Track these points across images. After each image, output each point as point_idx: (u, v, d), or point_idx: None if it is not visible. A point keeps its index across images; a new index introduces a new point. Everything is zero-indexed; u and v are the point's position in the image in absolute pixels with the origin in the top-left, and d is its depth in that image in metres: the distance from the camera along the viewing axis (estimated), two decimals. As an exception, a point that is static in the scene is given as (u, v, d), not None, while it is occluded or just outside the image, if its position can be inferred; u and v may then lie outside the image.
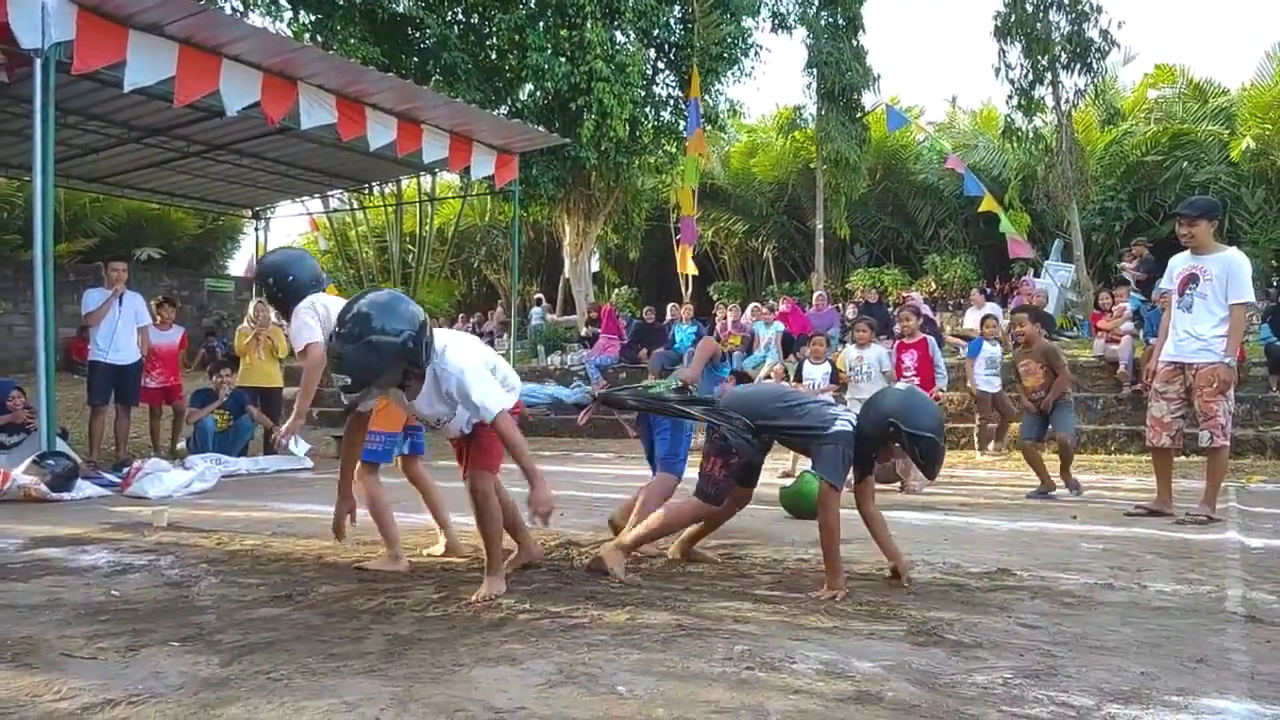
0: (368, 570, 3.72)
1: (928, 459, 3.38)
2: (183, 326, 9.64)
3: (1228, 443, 5.26)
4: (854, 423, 3.44)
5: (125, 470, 6.73)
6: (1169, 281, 5.43)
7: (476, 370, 3.10)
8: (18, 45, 6.29)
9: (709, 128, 17.40)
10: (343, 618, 2.96)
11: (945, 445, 3.42)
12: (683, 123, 16.31)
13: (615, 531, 4.30)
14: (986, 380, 8.73)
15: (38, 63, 6.30)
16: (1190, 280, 5.24)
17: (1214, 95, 19.16)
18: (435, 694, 2.21)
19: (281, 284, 3.97)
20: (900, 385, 3.50)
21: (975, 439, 9.28)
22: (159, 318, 9.00)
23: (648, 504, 4.15)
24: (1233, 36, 58.46)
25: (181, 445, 8.65)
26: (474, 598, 3.16)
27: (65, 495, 6.04)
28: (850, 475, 3.49)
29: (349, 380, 2.83)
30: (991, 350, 8.81)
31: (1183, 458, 7.00)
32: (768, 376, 10.56)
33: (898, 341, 7.48)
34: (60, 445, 6.63)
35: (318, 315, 3.87)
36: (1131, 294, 11.44)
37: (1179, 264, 5.36)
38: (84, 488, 6.29)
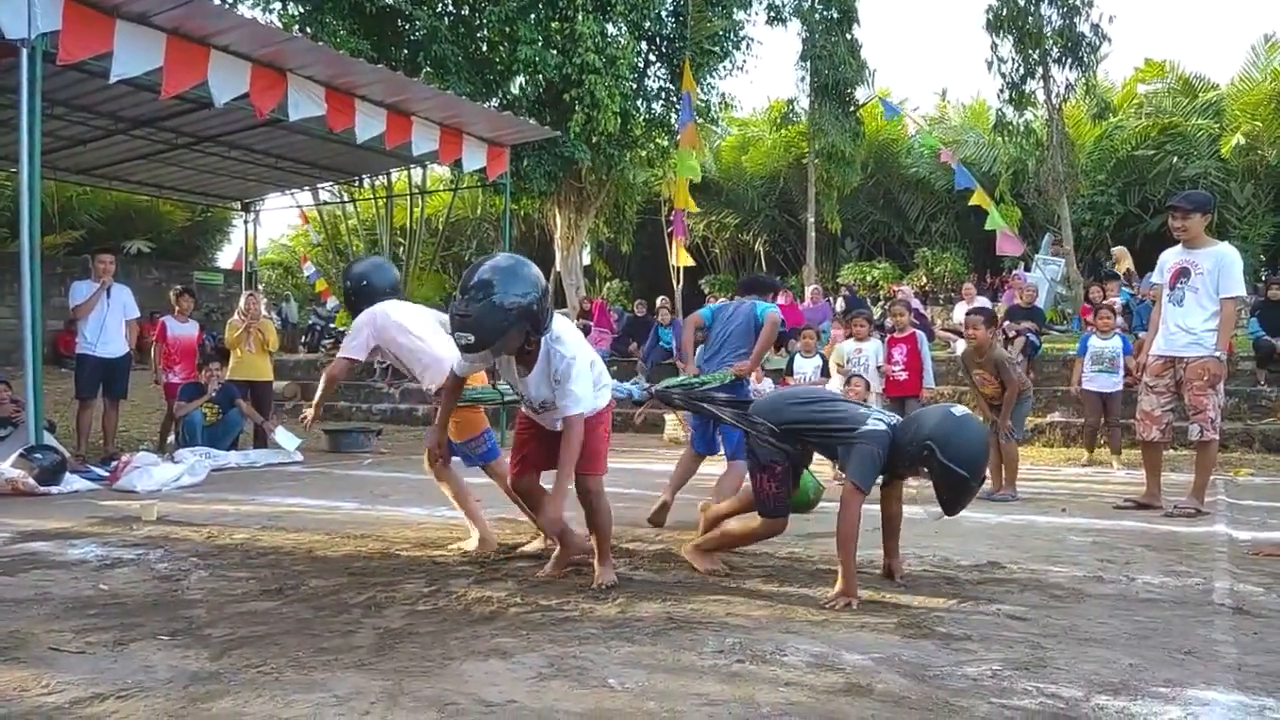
0: (467, 553, 3.91)
1: (951, 496, 3.16)
2: (197, 321, 9.53)
3: (1217, 436, 5.29)
4: (888, 423, 3.24)
5: (113, 464, 6.69)
6: (1160, 275, 5.45)
7: (584, 362, 3.14)
8: (3, 36, 6.23)
9: (700, 121, 17.36)
10: (333, 612, 2.96)
11: (979, 487, 3.20)
12: (674, 115, 16.28)
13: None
14: (1091, 378, 8.22)
15: (24, 53, 6.24)
16: (1181, 274, 5.26)
17: (1203, 90, 19.23)
18: (425, 688, 2.21)
19: (357, 287, 4.29)
20: (957, 409, 3.21)
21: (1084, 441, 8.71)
22: (177, 308, 8.93)
23: (724, 492, 4.52)
24: (1222, 31, 58.71)
25: (170, 439, 8.60)
26: (595, 583, 3.25)
27: (53, 489, 6.00)
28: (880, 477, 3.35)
29: (471, 339, 2.87)
30: (1101, 344, 8.23)
31: (1172, 451, 7.04)
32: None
33: (889, 336, 7.50)
34: (47, 439, 6.59)
35: (374, 325, 4.09)
36: (1121, 288, 11.49)
37: (1170, 258, 5.37)
38: (72, 481, 6.25)
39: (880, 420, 3.24)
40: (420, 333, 4.05)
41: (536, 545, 4.01)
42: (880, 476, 3.29)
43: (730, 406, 3.71)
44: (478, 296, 2.85)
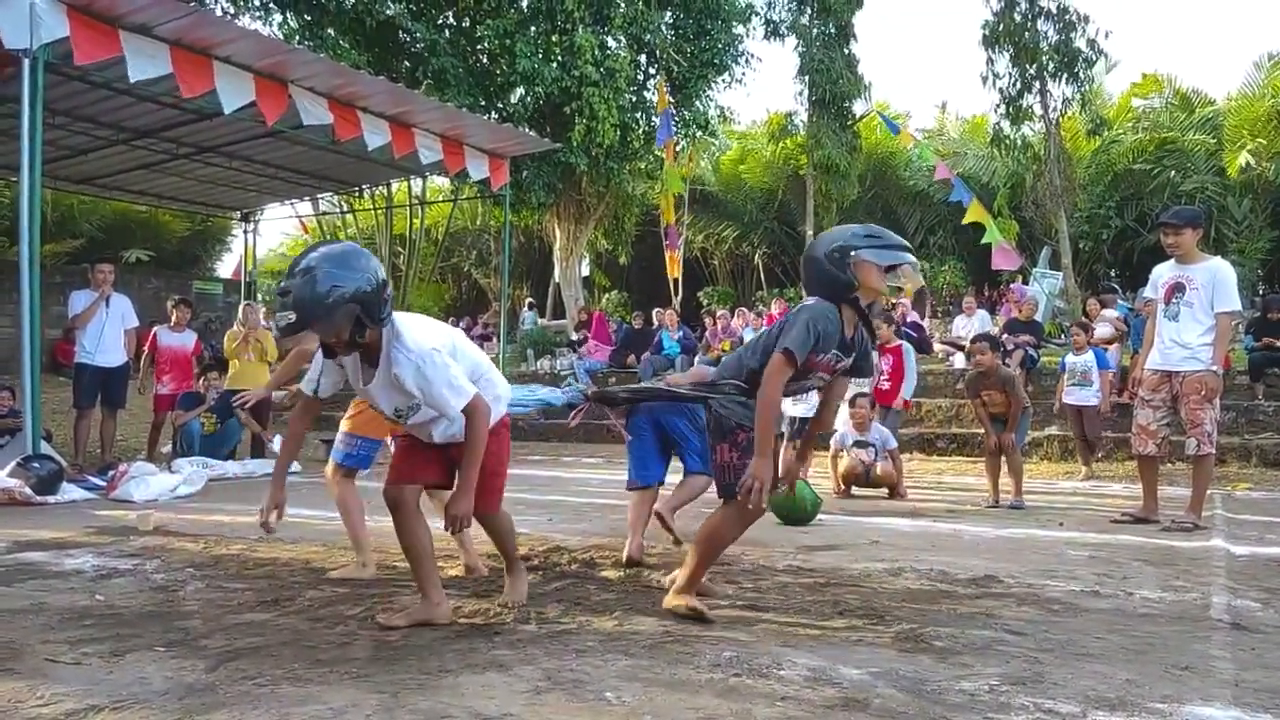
0: (334, 578, 3.68)
1: (875, 234, 2.98)
2: (194, 331, 9.43)
3: (1213, 450, 5.30)
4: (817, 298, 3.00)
5: (111, 474, 6.68)
6: (1154, 290, 5.47)
7: (439, 354, 2.78)
8: (3, 45, 6.26)
9: (699, 134, 17.44)
10: (329, 623, 2.95)
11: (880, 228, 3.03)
12: (674, 130, 16.34)
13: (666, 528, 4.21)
14: (1069, 392, 8.55)
15: (26, 63, 6.27)
16: (1176, 289, 5.28)
17: (1201, 105, 19.30)
18: (422, 701, 2.21)
19: None
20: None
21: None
22: (173, 318, 8.90)
23: (683, 497, 4.22)
24: (1219, 47, 59.00)
25: (167, 449, 8.59)
26: (504, 602, 3.15)
27: (50, 499, 5.99)
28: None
29: (292, 317, 2.59)
30: (1074, 360, 8.58)
31: (1168, 465, 7.05)
32: None
33: (878, 345, 7.58)
34: (45, 448, 6.58)
35: None
36: (1119, 302, 11.54)
37: (1164, 273, 5.39)
38: (69, 491, 6.24)
39: (811, 299, 3.02)
40: None
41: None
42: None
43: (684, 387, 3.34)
44: (303, 276, 2.61)
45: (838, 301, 2.97)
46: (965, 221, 14.67)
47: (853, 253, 2.91)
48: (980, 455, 9.43)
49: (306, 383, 3.01)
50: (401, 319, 2.82)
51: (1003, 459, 6.30)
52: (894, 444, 6.90)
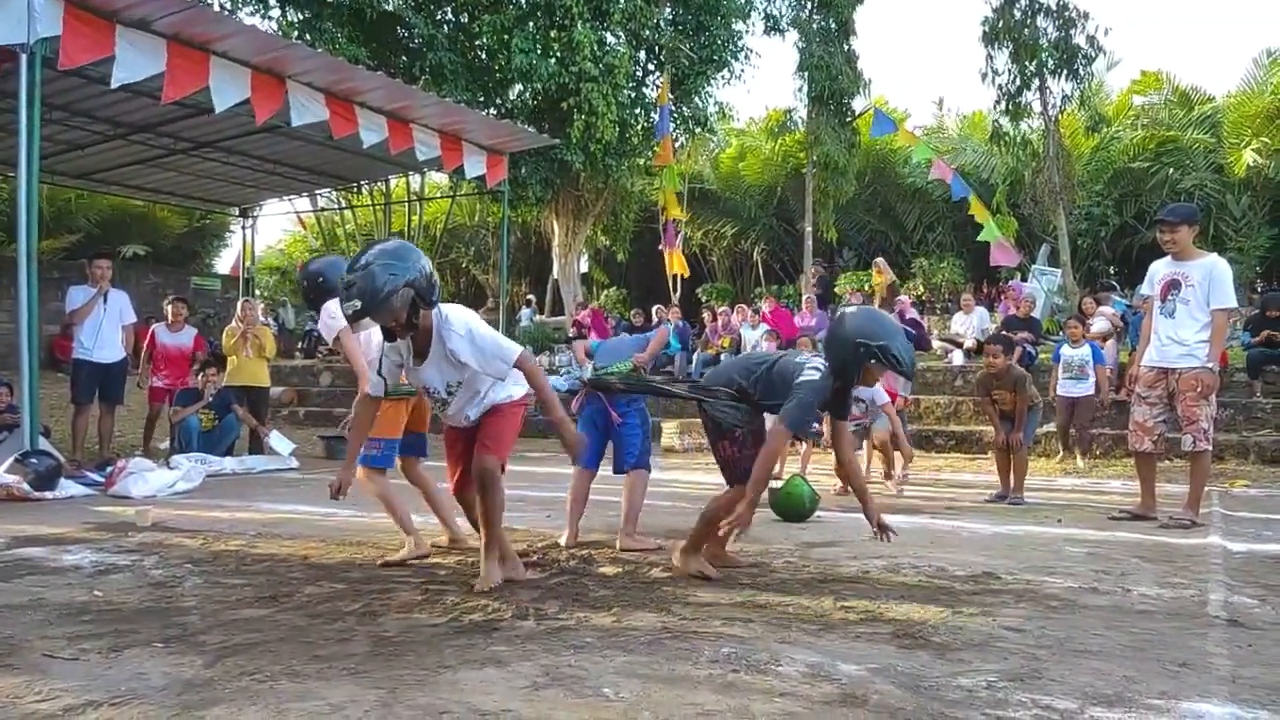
0: (394, 563, 3.87)
1: (902, 362, 3.41)
2: (194, 328, 9.39)
3: (1210, 447, 5.30)
4: (822, 369, 3.44)
5: (109, 469, 6.67)
6: (1150, 287, 5.48)
7: (482, 325, 3.24)
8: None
9: (699, 130, 17.38)
10: (328, 619, 2.95)
11: (903, 340, 3.48)
12: (671, 125, 16.31)
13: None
14: (1063, 384, 8.83)
15: (23, 58, 6.25)
16: (1172, 286, 5.28)
17: (1200, 103, 19.27)
18: (420, 696, 2.21)
19: (314, 284, 4.34)
20: (849, 309, 3.64)
21: (1058, 444, 9.26)
22: (170, 316, 8.91)
23: (634, 504, 4.35)
24: (1217, 44, 59.00)
25: (165, 445, 8.58)
26: (477, 586, 3.32)
27: (48, 494, 5.99)
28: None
29: (358, 304, 3.03)
30: (1071, 353, 8.86)
31: (1166, 462, 7.06)
32: None
33: None
34: (43, 444, 6.57)
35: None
36: (1115, 299, 11.56)
37: (1160, 269, 5.40)
38: (67, 487, 6.24)
39: (815, 369, 3.45)
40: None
41: (444, 540, 4.26)
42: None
43: (681, 383, 3.82)
44: (362, 270, 3.04)
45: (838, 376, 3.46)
46: (969, 213, 14.69)
47: (870, 361, 3.36)
48: (978, 452, 9.51)
49: (373, 387, 3.48)
50: (444, 306, 3.27)
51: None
52: (884, 399, 6.84)
